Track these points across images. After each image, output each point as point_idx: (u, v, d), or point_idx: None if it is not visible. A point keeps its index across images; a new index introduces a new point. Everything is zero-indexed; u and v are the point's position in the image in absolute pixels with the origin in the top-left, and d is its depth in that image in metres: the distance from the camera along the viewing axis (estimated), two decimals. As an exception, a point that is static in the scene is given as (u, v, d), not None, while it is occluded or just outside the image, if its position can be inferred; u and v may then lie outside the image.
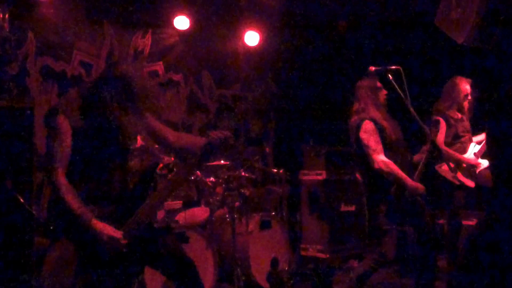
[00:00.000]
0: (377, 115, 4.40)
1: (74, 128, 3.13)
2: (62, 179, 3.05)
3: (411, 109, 4.22)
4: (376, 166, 4.26)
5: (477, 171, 5.35)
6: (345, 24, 7.71)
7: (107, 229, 3.01)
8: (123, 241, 3.03)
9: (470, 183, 5.34)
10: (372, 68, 4.29)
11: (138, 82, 3.23)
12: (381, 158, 4.27)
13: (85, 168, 3.16)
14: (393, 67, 4.23)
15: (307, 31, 8.10)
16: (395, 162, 4.28)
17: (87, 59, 6.51)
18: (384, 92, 4.42)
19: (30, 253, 4.52)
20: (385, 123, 4.37)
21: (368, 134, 4.34)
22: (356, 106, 4.53)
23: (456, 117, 5.40)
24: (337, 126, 6.65)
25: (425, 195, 4.32)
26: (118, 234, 3.03)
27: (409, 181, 4.20)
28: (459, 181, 5.28)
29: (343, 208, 6.95)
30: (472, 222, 6.09)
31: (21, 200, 4.43)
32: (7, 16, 5.24)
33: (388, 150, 4.34)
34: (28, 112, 4.71)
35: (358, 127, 4.40)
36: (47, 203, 5.91)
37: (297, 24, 7.92)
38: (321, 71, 8.62)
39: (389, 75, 4.22)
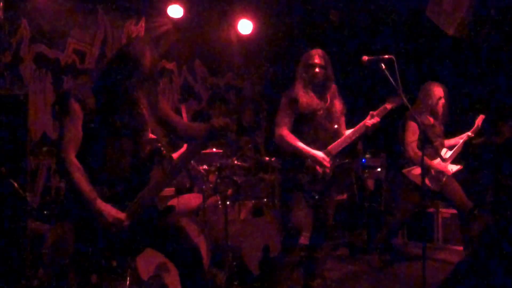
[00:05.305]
0: (299, 89, 4.49)
1: (85, 112, 3.07)
2: (71, 157, 3.00)
3: (403, 98, 4.24)
4: (275, 139, 4.47)
5: (443, 179, 5.42)
6: (338, 12, 7.71)
7: (111, 210, 3.00)
8: (126, 223, 3.03)
9: (436, 189, 5.46)
10: (365, 58, 4.28)
11: (151, 63, 3.20)
12: (278, 132, 4.43)
13: (96, 151, 3.12)
14: (386, 56, 4.22)
15: (300, 19, 8.11)
16: (308, 132, 4.44)
17: (80, 47, 6.52)
18: (316, 69, 4.44)
19: (25, 238, 4.53)
20: (303, 98, 4.44)
21: (279, 109, 4.52)
22: None
23: (427, 122, 5.47)
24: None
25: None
26: (121, 215, 3.02)
27: (307, 151, 4.36)
28: (427, 186, 5.36)
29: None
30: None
31: (16, 185, 4.44)
32: (1, 4, 5.23)
33: (304, 121, 4.46)
34: (22, 99, 4.73)
35: None
36: (41, 188, 5.97)
37: (290, 13, 7.92)
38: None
39: (382, 64, 4.22)
